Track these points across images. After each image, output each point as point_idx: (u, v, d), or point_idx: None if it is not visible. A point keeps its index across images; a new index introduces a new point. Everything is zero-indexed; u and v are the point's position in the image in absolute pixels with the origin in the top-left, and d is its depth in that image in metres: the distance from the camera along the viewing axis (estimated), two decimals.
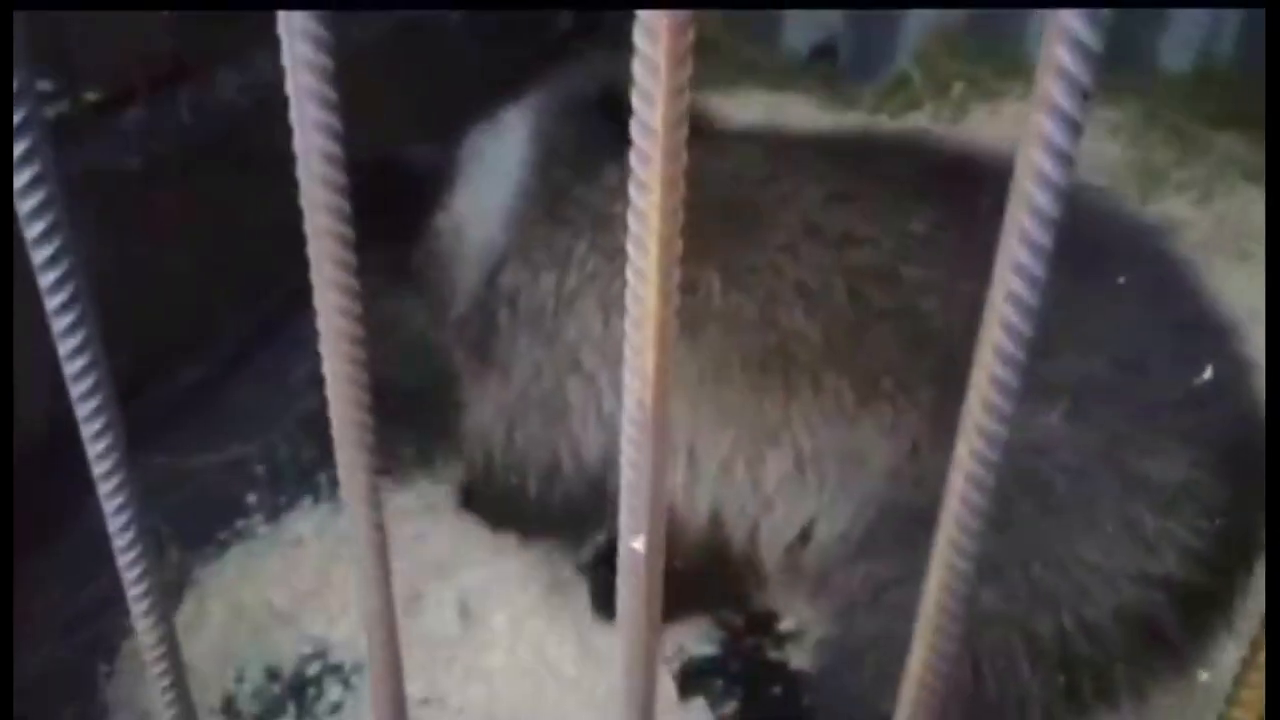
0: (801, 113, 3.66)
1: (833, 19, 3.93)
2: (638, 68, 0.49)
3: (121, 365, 2.38)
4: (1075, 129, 0.48)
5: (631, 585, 0.66)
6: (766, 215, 1.45)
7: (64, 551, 1.85)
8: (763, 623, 1.84)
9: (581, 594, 1.84)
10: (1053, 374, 1.24)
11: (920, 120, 3.51)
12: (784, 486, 1.44)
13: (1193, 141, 3.39)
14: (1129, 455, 1.23)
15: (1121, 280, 1.29)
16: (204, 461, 2.11)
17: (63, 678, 1.66)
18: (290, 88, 0.55)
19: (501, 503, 1.80)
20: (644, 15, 0.48)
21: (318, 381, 2.32)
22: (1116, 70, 3.69)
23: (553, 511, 1.70)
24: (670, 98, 0.49)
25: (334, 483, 2.06)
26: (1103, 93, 3.60)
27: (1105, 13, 0.45)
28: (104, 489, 0.70)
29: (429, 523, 1.97)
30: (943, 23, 3.70)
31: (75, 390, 0.68)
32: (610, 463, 1.49)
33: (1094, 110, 3.07)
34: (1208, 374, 1.23)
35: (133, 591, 0.76)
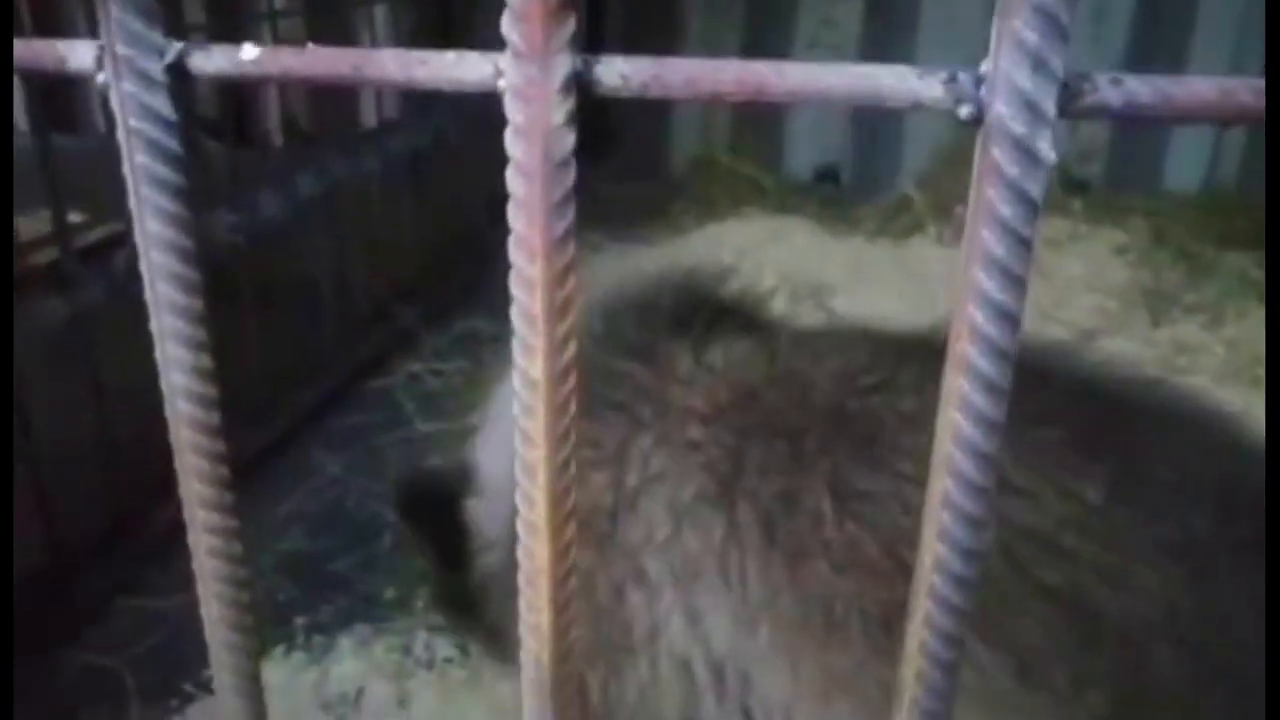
0: (805, 235, 3.67)
1: (836, 142, 3.98)
2: (516, 317, 0.45)
3: (102, 505, 2.31)
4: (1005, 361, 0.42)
5: None
6: (883, 432, 1.18)
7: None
8: None
9: None
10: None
11: (923, 242, 3.50)
12: None
13: (1201, 262, 3.35)
14: None
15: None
16: (179, 603, 2.04)
17: None
18: (154, 327, 0.51)
19: None
20: (519, 265, 0.44)
21: (299, 520, 2.22)
22: (1123, 191, 3.69)
23: None
24: (551, 351, 0.45)
25: (310, 629, 2.00)
26: (1109, 213, 3.59)
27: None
28: None
29: (408, 678, 1.87)
30: (943, 145, 3.73)
31: None
32: None
33: (1101, 231, 3.00)
34: None
35: None
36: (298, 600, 2.05)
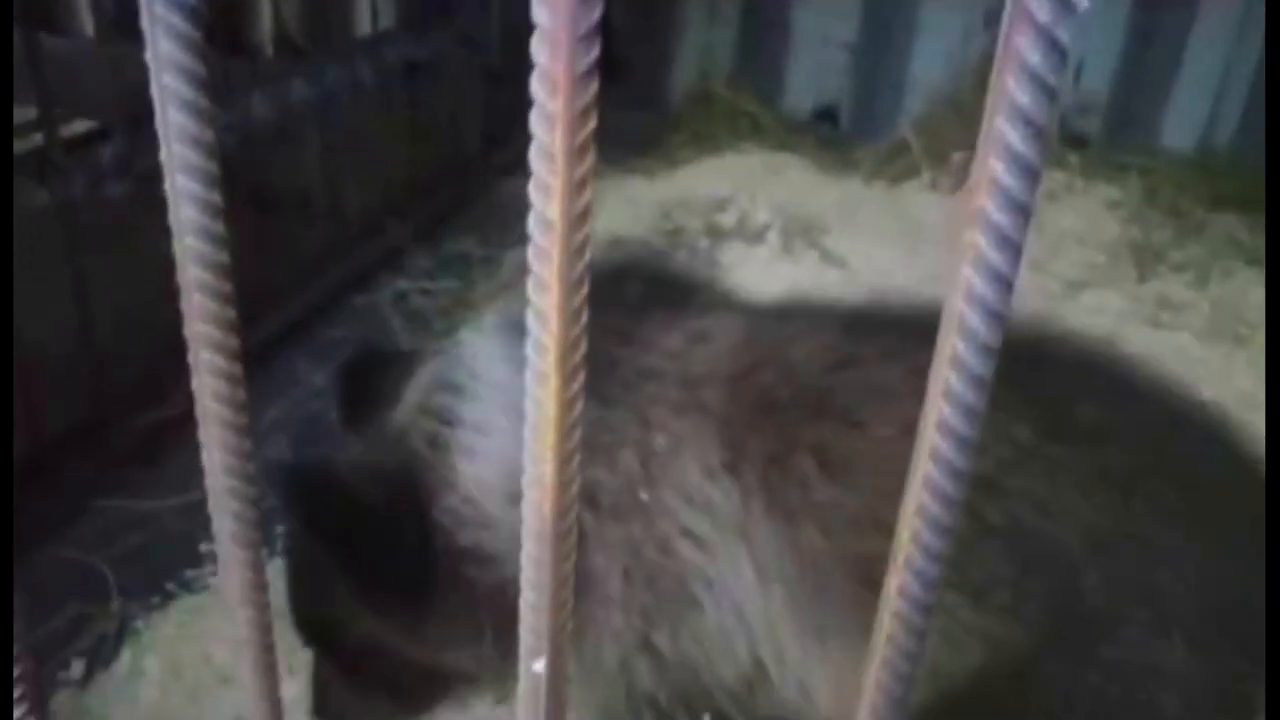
0: (800, 173, 3.65)
1: (836, 81, 3.93)
2: (534, 156, 0.45)
3: (83, 404, 2.29)
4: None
5: (531, 710, 0.60)
6: (858, 404, 1.27)
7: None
8: None
9: None
10: (1171, 603, 1.18)
11: (917, 188, 3.49)
12: None
13: (1191, 221, 3.35)
14: (1256, 700, 1.13)
15: None
16: (162, 505, 2.05)
17: None
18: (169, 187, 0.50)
19: None
20: (540, 110, 0.43)
21: (282, 429, 2.21)
22: (1119, 146, 3.68)
23: None
24: (570, 191, 0.45)
25: (288, 534, 2.01)
26: (1104, 168, 3.58)
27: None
28: None
29: None
30: (943, 90, 3.69)
31: None
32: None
33: (1096, 186, 2.98)
34: None
35: None
36: (277, 507, 2.06)
